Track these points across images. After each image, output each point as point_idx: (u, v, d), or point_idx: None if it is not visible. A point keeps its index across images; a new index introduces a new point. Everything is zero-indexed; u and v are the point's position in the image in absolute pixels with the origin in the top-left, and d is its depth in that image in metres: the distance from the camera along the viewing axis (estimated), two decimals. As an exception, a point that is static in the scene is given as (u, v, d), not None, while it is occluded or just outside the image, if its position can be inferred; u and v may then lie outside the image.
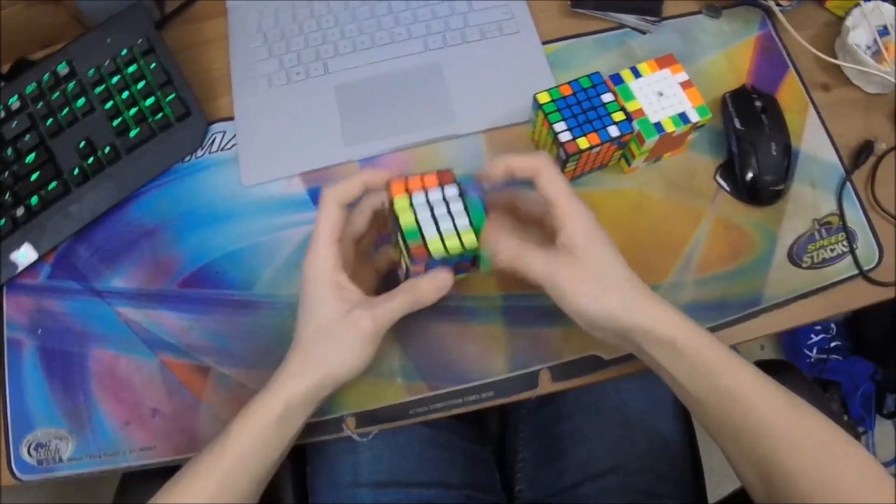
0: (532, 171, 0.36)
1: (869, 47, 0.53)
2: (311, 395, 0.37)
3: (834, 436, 0.34)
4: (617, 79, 0.46)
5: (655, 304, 0.35)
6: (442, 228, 0.36)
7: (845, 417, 1.00)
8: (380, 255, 0.44)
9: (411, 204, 0.37)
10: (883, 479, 0.33)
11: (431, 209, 0.36)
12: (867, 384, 0.95)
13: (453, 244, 0.36)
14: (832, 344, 0.99)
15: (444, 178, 0.38)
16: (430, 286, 0.36)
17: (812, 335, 1.00)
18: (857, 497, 0.32)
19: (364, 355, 0.37)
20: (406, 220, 0.36)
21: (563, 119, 0.45)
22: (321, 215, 0.37)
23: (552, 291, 0.36)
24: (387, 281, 0.43)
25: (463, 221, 0.36)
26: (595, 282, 0.35)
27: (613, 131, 0.44)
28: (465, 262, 0.38)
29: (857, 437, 1.01)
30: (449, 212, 0.36)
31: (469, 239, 0.36)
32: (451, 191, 0.37)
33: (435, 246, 0.35)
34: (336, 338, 0.36)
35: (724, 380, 0.34)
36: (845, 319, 1.04)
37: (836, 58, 0.53)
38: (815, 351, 0.99)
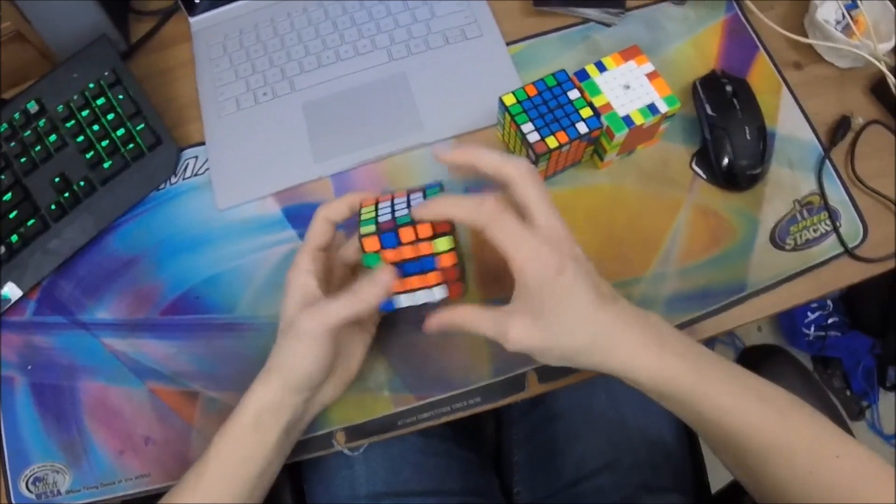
0: (502, 179, 0.34)
1: (838, 22, 0.52)
2: (280, 399, 0.37)
3: (823, 434, 0.34)
4: (582, 74, 0.46)
5: (621, 345, 0.34)
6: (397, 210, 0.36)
7: (848, 393, 1.00)
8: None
9: (376, 209, 0.37)
10: (880, 472, 0.33)
11: (393, 210, 0.37)
12: (867, 358, 0.95)
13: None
14: (830, 321, 0.99)
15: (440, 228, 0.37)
16: (369, 282, 0.35)
17: (809, 313, 1.00)
18: (851, 492, 0.32)
19: (315, 355, 0.36)
20: (366, 216, 0.36)
21: (531, 119, 0.44)
22: (309, 228, 0.39)
23: (509, 349, 0.34)
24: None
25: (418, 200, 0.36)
26: (549, 335, 0.33)
27: (582, 128, 0.44)
28: (429, 271, 0.37)
29: (862, 411, 1.00)
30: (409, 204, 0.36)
31: (424, 230, 0.35)
32: (417, 198, 0.37)
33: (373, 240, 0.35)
34: (289, 340, 0.37)
35: (698, 407, 0.34)
36: (841, 295, 1.03)
37: (805, 36, 0.52)
38: (812, 329, 0.99)
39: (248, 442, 0.37)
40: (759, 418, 0.33)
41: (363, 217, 0.37)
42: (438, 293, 0.37)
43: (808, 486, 0.32)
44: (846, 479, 0.32)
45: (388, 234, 0.35)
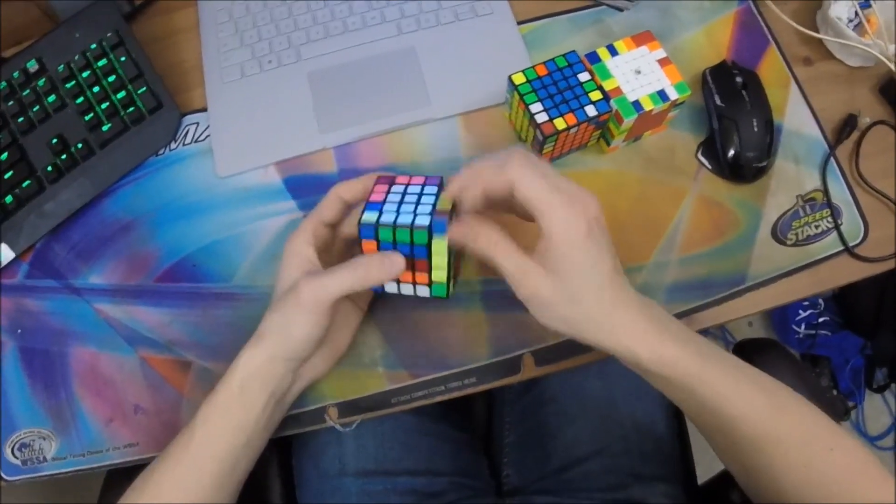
0: (507, 185, 0.33)
1: (850, 20, 0.52)
2: (266, 367, 0.37)
3: (817, 428, 0.34)
4: (593, 57, 0.45)
5: (622, 325, 0.34)
6: (400, 218, 0.35)
7: (835, 392, 1.00)
8: None
9: (386, 198, 0.37)
10: (870, 465, 0.33)
11: (402, 200, 0.36)
12: (856, 358, 0.96)
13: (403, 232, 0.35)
14: (821, 319, 0.99)
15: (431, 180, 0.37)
16: (378, 264, 0.35)
17: (800, 311, 1.00)
18: (844, 486, 0.32)
19: (308, 326, 0.36)
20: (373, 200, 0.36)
21: (540, 100, 0.44)
22: (321, 202, 0.39)
23: (517, 294, 0.34)
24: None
25: (424, 216, 0.35)
26: (560, 297, 0.33)
27: (591, 111, 0.44)
28: (421, 260, 0.37)
29: (847, 411, 1.01)
30: (416, 207, 0.36)
31: (419, 235, 0.35)
32: (431, 189, 0.37)
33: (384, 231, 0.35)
34: (282, 308, 0.36)
35: (699, 394, 0.34)
36: (833, 294, 1.04)
37: (817, 31, 0.52)
38: (803, 327, 1.00)
39: (234, 409, 0.36)
40: (757, 407, 0.33)
41: (372, 195, 0.36)
42: (422, 292, 0.38)
43: (801, 478, 0.33)
44: (839, 473, 0.33)
45: (385, 244, 0.36)
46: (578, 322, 0.34)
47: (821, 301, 1.02)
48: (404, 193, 0.37)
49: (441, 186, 0.37)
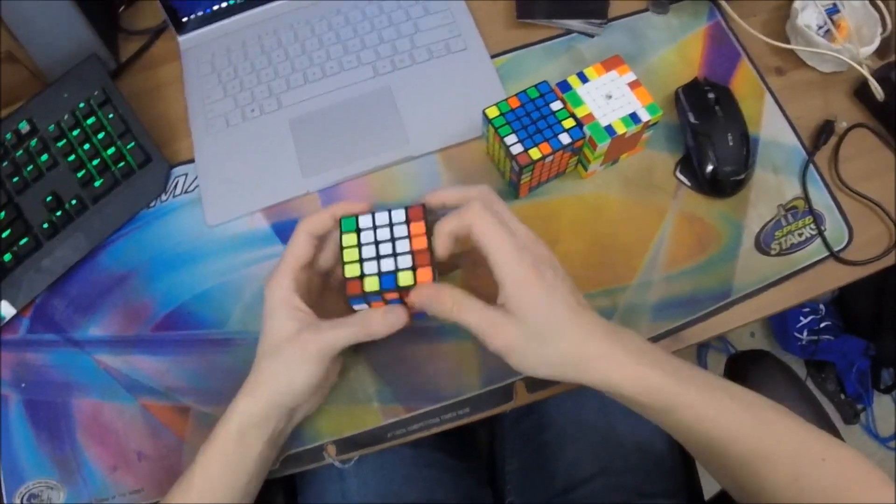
0: (465, 224, 0.35)
1: (820, 27, 0.52)
2: (266, 413, 0.37)
3: (807, 439, 0.34)
4: (565, 86, 0.46)
5: (596, 357, 0.34)
6: (382, 267, 0.36)
7: (842, 396, 0.99)
8: None
9: (359, 242, 0.37)
10: (866, 472, 0.33)
11: (377, 247, 0.37)
12: (861, 361, 0.94)
13: (388, 285, 0.36)
14: (822, 324, 0.99)
15: (414, 214, 0.38)
16: (382, 322, 0.36)
17: (801, 317, 0.99)
18: (836, 495, 0.32)
19: (310, 376, 0.37)
20: (350, 256, 0.37)
21: (514, 132, 0.45)
22: (290, 243, 0.39)
23: (490, 348, 0.34)
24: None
25: (405, 261, 0.36)
26: (528, 340, 0.33)
27: (565, 139, 0.44)
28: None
29: (857, 414, 1.00)
30: (394, 251, 0.36)
31: (405, 278, 0.36)
32: (401, 230, 0.37)
33: (370, 283, 0.36)
34: (284, 358, 0.37)
35: (682, 416, 0.34)
36: (833, 298, 1.03)
37: (787, 41, 0.52)
38: (805, 333, 0.99)
39: (232, 456, 0.37)
40: (742, 426, 0.33)
41: (346, 249, 0.37)
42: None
43: (793, 493, 0.32)
44: (832, 482, 0.32)
45: (373, 296, 0.37)
46: (555, 363, 0.34)
47: (821, 306, 1.01)
48: (376, 237, 0.37)
49: (407, 214, 0.38)
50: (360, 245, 0.37)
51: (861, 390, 0.95)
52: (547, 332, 0.33)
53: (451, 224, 0.35)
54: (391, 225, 0.37)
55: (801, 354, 1.02)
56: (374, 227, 0.37)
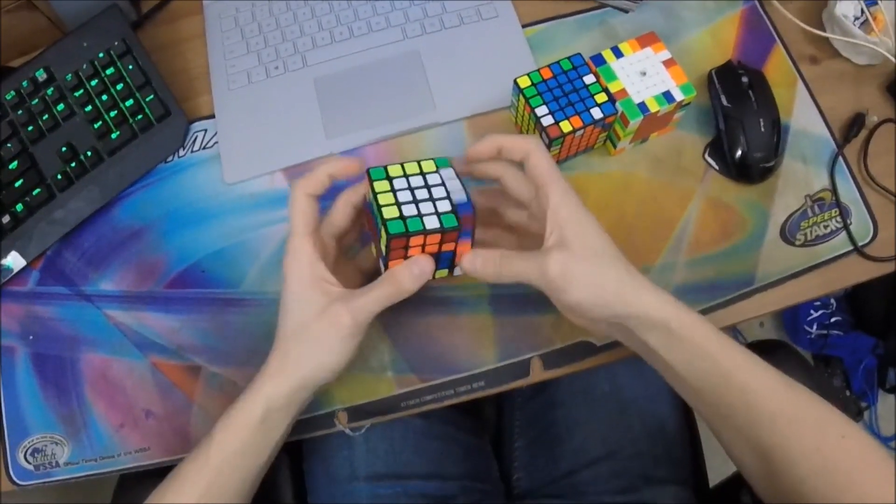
0: (522, 153, 0.37)
1: (857, 18, 0.51)
2: (292, 397, 0.36)
3: (831, 416, 0.34)
4: (598, 59, 0.45)
5: (648, 289, 0.35)
6: (422, 210, 0.35)
7: (847, 392, 0.99)
8: (363, 253, 0.43)
9: (392, 188, 0.36)
10: (883, 460, 0.32)
11: (413, 192, 0.36)
12: (869, 358, 0.95)
13: (433, 225, 0.34)
14: (832, 319, 0.98)
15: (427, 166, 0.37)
16: (409, 274, 0.35)
17: (812, 311, 0.99)
18: (854, 477, 0.32)
19: (343, 353, 0.36)
20: (386, 200, 0.35)
21: (545, 103, 0.44)
22: (293, 209, 0.36)
23: (546, 286, 0.35)
24: (371, 280, 0.42)
25: (444, 204, 0.35)
26: (587, 265, 0.34)
27: (596, 113, 0.44)
28: (446, 256, 0.37)
29: (860, 412, 1.00)
30: (431, 196, 0.35)
31: (449, 220, 0.34)
32: (434, 178, 0.37)
33: (413, 223, 0.34)
34: (314, 336, 0.35)
35: (720, 362, 0.34)
36: (845, 294, 1.03)
37: (823, 30, 0.51)
38: (815, 327, 0.99)
39: (253, 438, 0.36)
40: (778, 384, 0.34)
41: (378, 189, 0.35)
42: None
43: (817, 463, 0.32)
44: (850, 462, 0.32)
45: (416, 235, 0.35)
46: (609, 289, 0.34)
47: (832, 301, 1.01)
48: (410, 184, 0.36)
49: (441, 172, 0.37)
50: (394, 190, 0.36)
51: (867, 388, 0.96)
52: (604, 254, 0.35)
53: (508, 140, 0.37)
54: (422, 173, 0.37)
55: (809, 348, 1.02)
56: (406, 175, 0.37)
